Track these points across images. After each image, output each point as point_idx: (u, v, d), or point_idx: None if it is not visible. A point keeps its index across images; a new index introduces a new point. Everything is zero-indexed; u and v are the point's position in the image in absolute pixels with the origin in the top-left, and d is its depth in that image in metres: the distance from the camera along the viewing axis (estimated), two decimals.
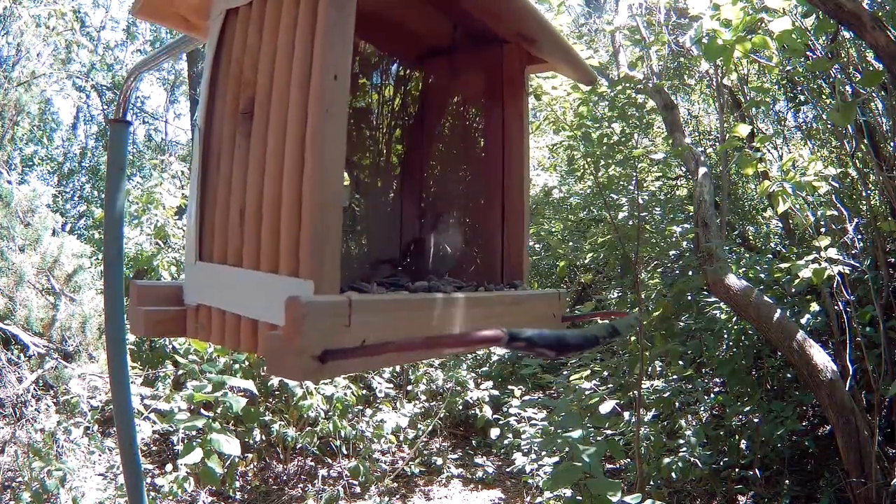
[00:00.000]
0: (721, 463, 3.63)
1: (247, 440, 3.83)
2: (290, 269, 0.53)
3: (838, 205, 3.39)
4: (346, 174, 0.87)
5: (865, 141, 3.43)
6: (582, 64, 0.85)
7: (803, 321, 3.57)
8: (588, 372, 3.93)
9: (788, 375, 3.87)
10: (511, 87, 0.86)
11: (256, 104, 0.59)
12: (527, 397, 4.58)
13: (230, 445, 2.91)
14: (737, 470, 3.56)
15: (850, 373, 3.10)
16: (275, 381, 3.83)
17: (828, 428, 3.45)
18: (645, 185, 4.88)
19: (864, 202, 3.81)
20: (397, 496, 4.06)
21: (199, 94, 0.67)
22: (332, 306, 0.48)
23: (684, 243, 4.34)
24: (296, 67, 0.55)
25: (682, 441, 3.53)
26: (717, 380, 4.25)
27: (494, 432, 4.29)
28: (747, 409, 3.66)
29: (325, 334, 0.47)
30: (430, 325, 0.59)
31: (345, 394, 3.97)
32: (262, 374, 3.77)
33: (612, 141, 3.78)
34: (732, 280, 3.46)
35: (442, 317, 0.61)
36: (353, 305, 0.49)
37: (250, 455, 3.98)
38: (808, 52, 3.18)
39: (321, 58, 0.52)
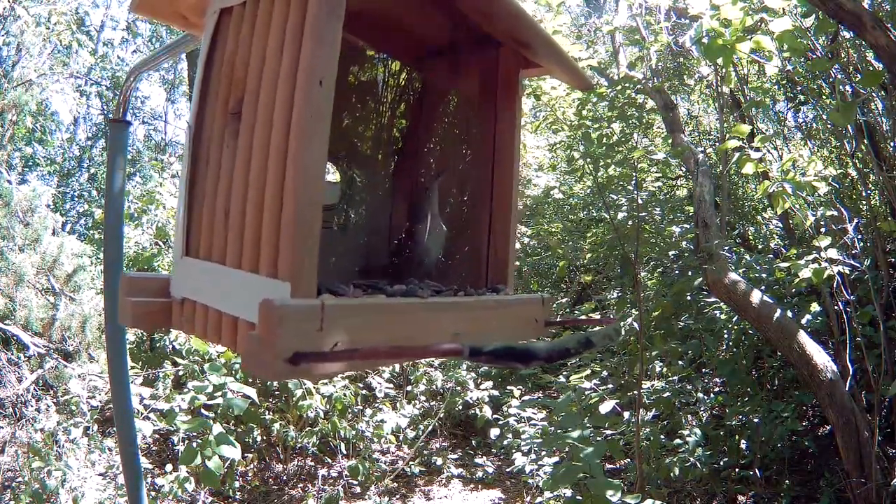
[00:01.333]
0: (721, 463, 3.63)
1: (247, 440, 3.83)
2: (270, 269, 0.53)
3: (838, 205, 3.39)
4: (337, 172, 0.87)
5: (865, 141, 3.43)
6: (577, 70, 0.84)
7: (803, 321, 3.57)
8: (588, 372, 3.93)
9: (788, 375, 3.86)
10: (505, 91, 0.86)
11: (245, 104, 0.59)
12: (527, 397, 4.58)
13: (231, 449, 2.90)
14: (737, 470, 3.56)
15: (850, 373, 3.10)
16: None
17: (828, 428, 3.45)
18: (644, 185, 4.88)
19: (864, 202, 3.81)
20: (397, 496, 4.06)
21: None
22: (306, 310, 0.49)
23: (684, 243, 4.33)
24: (283, 69, 0.55)
25: (681, 441, 3.53)
26: (717, 380, 4.24)
27: (494, 432, 4.29)
28: (747, 409, 3.66)
29: (299, 337, 0.47)
30: (405, 330, 0.59)
31: (344, 393, 3.96)
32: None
33: (611, 141, 3.78)
34: (732, 280, 3.46)
35: (417, 322, 0.61)
36: (325, 310, 0.50)
37: (250, 455, 3.98)
38: (808, 53, 3.18)
39: (308, 61, 0.52)
